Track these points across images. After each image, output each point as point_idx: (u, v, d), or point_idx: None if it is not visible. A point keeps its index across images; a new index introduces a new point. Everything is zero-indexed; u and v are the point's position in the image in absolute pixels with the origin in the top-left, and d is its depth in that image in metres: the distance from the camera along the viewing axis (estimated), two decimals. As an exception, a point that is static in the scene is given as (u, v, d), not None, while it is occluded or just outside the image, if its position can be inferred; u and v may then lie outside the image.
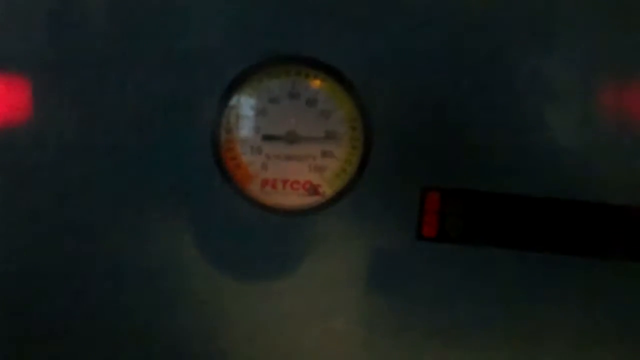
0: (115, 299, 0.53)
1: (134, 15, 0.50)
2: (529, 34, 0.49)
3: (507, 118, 0.50)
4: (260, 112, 0.49)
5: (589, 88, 0.49)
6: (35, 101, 0.51)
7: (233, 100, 0.49)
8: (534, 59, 0.49)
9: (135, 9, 0.50)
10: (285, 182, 0.49)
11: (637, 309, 0.51)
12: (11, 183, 0.52)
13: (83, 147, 0.51)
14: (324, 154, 0.49)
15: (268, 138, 0.49)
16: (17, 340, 0.54)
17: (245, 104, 0.49)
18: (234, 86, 0.49)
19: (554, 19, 0.49)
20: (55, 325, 0.54)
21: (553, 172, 0.50)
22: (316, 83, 0.49)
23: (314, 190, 0.49)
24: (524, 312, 0.51)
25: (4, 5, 0.50)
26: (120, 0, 0.50)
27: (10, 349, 0.54)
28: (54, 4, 0.51)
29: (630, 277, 0.50)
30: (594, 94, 0.49)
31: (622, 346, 0.51)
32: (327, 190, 0.49)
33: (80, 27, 0.51)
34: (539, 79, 0.49)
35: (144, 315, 0.53)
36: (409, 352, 0.53)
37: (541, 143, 0.49)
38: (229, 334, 0.54)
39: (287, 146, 0.49)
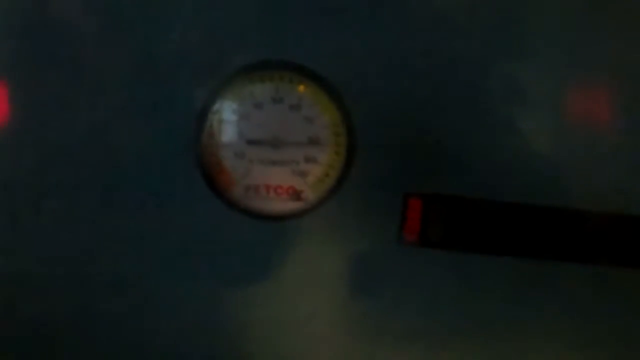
0: (90, 304, 0.53)
1: (114, 19, 0.50)
2: (506, 41, 0.50)
3: (488, 125, 0.50)
4: (243, 117, 0.49)
5: (567, 96, 0.50)
6: (14, 105, 0.51)
7: (216, 105, 0.49)
8: (511, 66, 0.50)
9: (115, 12, 0.50)
10: (268, 187, 0.49)
11: (615, 313, 0.52)
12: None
13: (62, 152, 0.51)
14: (307, 159, 0.49)
15: (251, 143, 0.49)
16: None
17: (228, 109, 0.49)
18: (217, 91, 0.48)
19: (529, 26, 0.50)
20: (30, 333, 0.53)
21: (533, 178, 0.50)
22: (300, 88, 0.49)
23: (296, 195, 0.49)
24: (506, 316, 0.52)
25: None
26: (100, 4, 0.50)
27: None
28: (30, 6, 0.50)
29: (609, 281, 0.51)
30: (572, 101, 0.50)
31: (600, 351, 0.52)
32: (310, 195, 0.49)
33: (59, 30, 0.50)
34: (517, 86, 0.50)
35: (121, 322, 0.53)
36: (390, 357, 0.53)
37: (522, 150, 0.50)
38: (209, 339, 0.53)
39: (270, 151, 0.49)
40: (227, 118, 0.49)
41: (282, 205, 0.50)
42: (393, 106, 0.50)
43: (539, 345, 0.52)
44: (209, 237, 0.52)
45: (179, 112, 0.50)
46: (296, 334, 0.53)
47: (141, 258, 0.52)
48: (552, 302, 0.51)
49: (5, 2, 0.50)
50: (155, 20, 0.50)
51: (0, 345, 0.53)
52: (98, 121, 0.51)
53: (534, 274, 0.51)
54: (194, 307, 0.53)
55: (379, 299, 0.52)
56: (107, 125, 0.51)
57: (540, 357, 0.52)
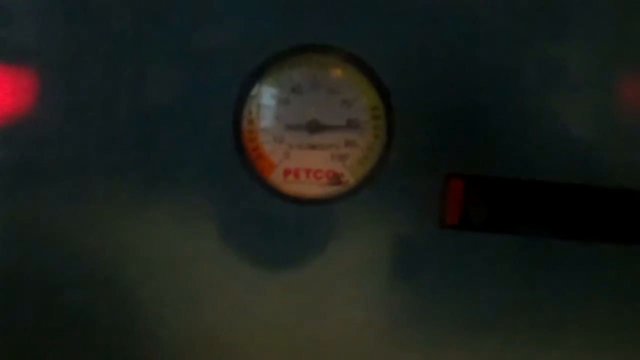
0: (134, 288, 0.53)
1: (153, 4, 0.50)
2: (547, 22, 0.49)
3: (529, 106, 0.50)
4: (282, 102, 0.49)
5: (607, 76, 0.50)
6: (55, 95, 0.51)
7: (255, 90, 0.49)
8: (552, 48, 0.49)
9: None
10: (307, 171, 0.49)
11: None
12: (30, 176, 0.52)
13: (103, 140, 0.51)
14: (347, 143, 0.49)
15: (290, 127, 0.49)
16: (24, 331, 0.54)
17: (267, 94, 0.49)
18: (256, 76, 0.49)
19: (572, 7, 0.49)
20: (70, 315, 0.54)
21: (575, 159, 0.50)
22: (338, 72, 0.49)
23: (336, 179, 0.49)
24: (548, 300, 0.51)
25: (22, 1, 0.51)
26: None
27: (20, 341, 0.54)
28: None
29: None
30: (613, 82, 0.50)
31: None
32: (350, 179, 0.49)
33: (99, 16, 0.51)
34: (558, 67, 0.50)
35: (162, 305, 0.53)
36: (430, 342, 0.53)
37: (564, 131, 0.50)
38: (248, 323, 0.54)
39: (309, 135, 0.49)
40: (266, 103, 0.49)
41: (322, 189, 0.49)
42: (432, 88, 0.50)
43: (582, 329, 0.52)
44: (247, 221, 0.52)
45: (217, 98, 0.50)
46: (335, 318, 0.53)
47: (181, 242, 0.52)
48: (597, 286, 0.51)
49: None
50: (194, 6, 0.50)
51: (44, 332, 0.54)
52: (138, 108, 0.51)
53: (578, 257, 0.50)
54: (232, 291, 0.53)
55: (419, 282, 0.52)
56: (147, 113, 0.51)
57: (584, 340, 0.52)
